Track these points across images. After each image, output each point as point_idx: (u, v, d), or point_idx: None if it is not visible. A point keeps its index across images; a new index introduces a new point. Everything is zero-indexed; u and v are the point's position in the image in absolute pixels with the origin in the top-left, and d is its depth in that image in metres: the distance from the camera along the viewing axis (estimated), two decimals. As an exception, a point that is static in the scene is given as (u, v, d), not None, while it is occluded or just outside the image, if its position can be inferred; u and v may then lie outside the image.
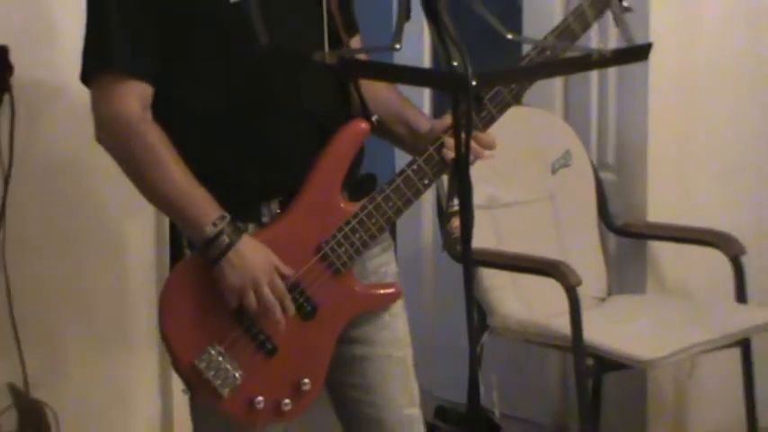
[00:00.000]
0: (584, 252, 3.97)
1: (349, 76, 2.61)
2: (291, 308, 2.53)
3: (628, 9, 2.61)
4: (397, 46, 2.07)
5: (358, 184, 2.63)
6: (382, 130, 2.70)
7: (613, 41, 3.67)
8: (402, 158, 2.65)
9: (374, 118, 2.61)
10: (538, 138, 4.03)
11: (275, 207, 2.57)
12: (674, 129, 4.03)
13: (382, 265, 2.70)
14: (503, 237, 3.87)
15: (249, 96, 2.55)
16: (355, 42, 2.72)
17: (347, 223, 2.56)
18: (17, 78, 3.22)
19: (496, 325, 3.79)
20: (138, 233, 3.40)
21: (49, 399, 3.25)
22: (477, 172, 3.78)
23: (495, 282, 3.79)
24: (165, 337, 2.55)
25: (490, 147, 2.58)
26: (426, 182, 2.58)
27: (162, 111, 2.55)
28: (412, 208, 2.66)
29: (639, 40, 2.19)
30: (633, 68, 3.47)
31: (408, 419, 2.71)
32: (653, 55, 3.80)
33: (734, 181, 4.14)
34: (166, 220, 2.63)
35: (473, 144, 2.51)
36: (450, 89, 2.06)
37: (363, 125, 2.59)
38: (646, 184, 4.04)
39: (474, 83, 1.96)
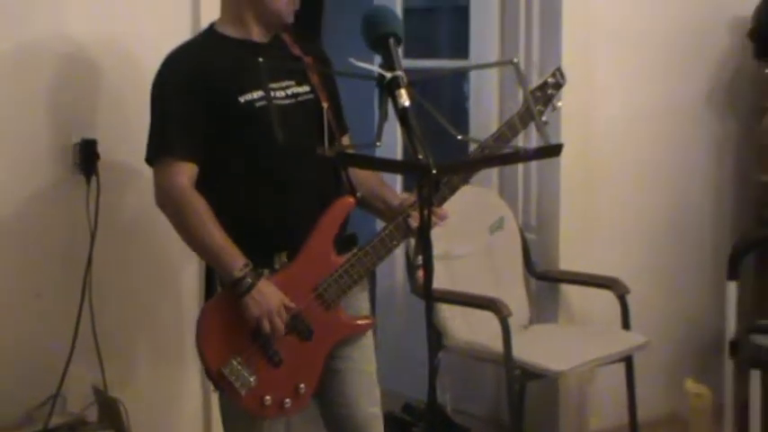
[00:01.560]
0: (513, 292, 3.93)
1: (343, 165, 2.61)
2: (289, 330, 2.52)
3: (546, 122, 2.63)
4: (378, 144, 2.08)
5: (345, 242, 2.63)
6: (365, 204, 2.70)
7: (534, 140, 3.70)
8: (380, 223, 2.66)
9: (358, 194, 2.62)
10: (480, 208, 4.01)
11: (284, 257, 2.57)
12: (579, 202, 4.02)
13: (360, 302, 2.70)
14: (455, 280, 3.84)
15: (269, 178, 2.56)
16: (345, 140, 2.73)
17: (336, 271, 2.56)
18: (102, 163, 3.20)
19: (449, 345, 3.76)
20: (189, 276, 3.37)
21: (121, 396, 3.21)
22: (435, 233, 3.78)
23: (449, 313, 3.76)
24: (200, 351, 2.55)
25: (444, 218, 2.58)
26: (396, 242, 2.59)
27: (205, 185, 2.55)
28: (388, 259, 2.66)
29: (553, 140, 2.18)
30: (548, 160, 3.47)
31: (372, 416, 2.71)
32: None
33: (624, 238, 4.13)
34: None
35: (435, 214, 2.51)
36: (416, 176, 2.04)
37: (350, 200, 2.60)
38: (558, 242, 4.02)
39: (434, 172, 1.97)
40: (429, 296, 2.19)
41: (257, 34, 2.60)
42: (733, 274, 3.73)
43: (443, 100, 5.29)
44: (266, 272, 2.54)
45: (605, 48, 3.99)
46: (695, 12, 4.04)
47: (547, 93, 2.70)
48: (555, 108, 2.72)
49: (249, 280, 2.48)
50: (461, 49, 4.38)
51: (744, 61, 4.04)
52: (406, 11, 4.59)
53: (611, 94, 4.03)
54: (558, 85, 2.72)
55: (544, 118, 2.66)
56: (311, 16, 5.92)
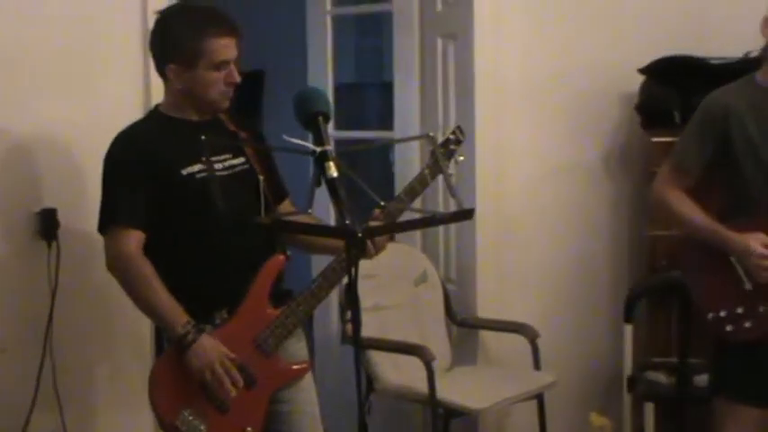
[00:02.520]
0: (437, 338, 3.95)
1: (279, 231, 2.64)
2: (240, 380, 2.52)
3: (451, 174, 2.69)
4: (309, 210, 2.12)
5: (280, 296, 2.65)
6: (323, 250, 2.71)
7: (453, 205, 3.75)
8: (316, 269, 2.68)
9: (288, 253, 2.64)
10: (405, 263, 4.04)
11: (224, 313, 2.58)
12: (493, 255, 4.06)
13: (298, 350, 2.72)
14: (384, 329, 3.85)
15: (210, 242, 2.57)
16: (286, 204, 2.75)
17: (273, 323, 2.57)
18: (62, 230, 3.21)
19: (380, 388, 3.77)
20: (143, 331, 3.34)
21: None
22: (366, 287, 3.80)
23: (379, 359, 3.77)
24: (153, 405, 2.54)
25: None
26: (324, 294, 2.61)
27: (152, 249, 2.56)
28: (324, 310, 2.68)
29: (468, 203, 2.23)
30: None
31: None
32: (478, 207, 3.88)
33: (534, 287, 4.15)
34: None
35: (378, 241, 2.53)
36: (344, 238, 2.08)
37: (281, 258, 2.63)
38: (476, 292, 4.05)
39: (360, 235, 2.01)
40: (358, 346, 2.21)
41: (196, 116, 2.64)
42: (629, 317, 3.81)
43: (373, 166, 5.34)
44: (208, 327, 2.55)
45: (515, 117, 4.06)
46: (591, 86, 4.13)
47: (449, 148, 2.75)
48: (457, 162, 2.76)
49: (191, 336, 2.49)
50: (388, 121, 4.44)
51: (633, 130, 4.14)
52: (338, 87, 4.64)
53: (521, 157, 4.10)
54: (459, 141, 2.78)
55: (451, 171, 2.71)
56: (252, 96, 5.98)
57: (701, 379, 3.49)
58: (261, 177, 2.57)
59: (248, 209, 2.42)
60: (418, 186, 2.67)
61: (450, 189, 2.41)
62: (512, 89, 4.05)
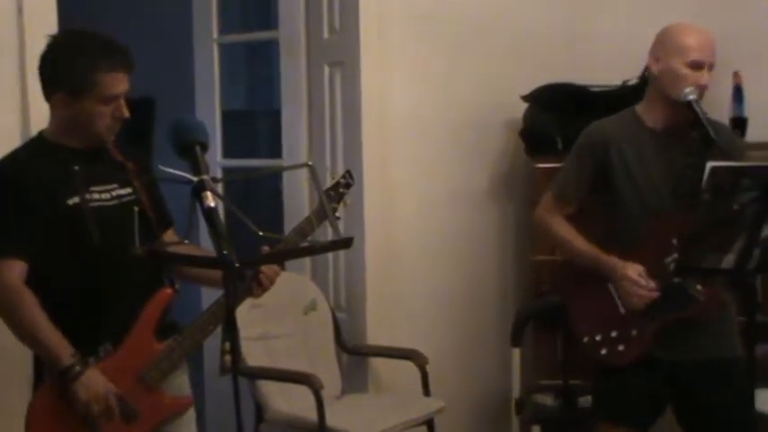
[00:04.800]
0: (326, 366, 3.95)
1: (156, 263, 2.60)
2: (116, 413, 2.48)
3: (338, 218, 2.74)
4: (186, 241, 2.10)
5: (165, 329, 2.61)
6: (206, 281, 2.68)
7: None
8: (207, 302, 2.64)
9: (176, 286, 2.61)
10: (295, 292, 4.02)
11: (109, 346, 2.54)
12: (382, 284, 4.08)
13: (181, 382, 2.69)
14: (273, 358, 3.83)
15: (95, 274, 2.53)
16: (169, 234, 2.72)
17: (157, 357, 2.54)
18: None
19: (269, 418, 3.74)
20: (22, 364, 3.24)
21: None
22: (254, 316, 3.75)
23: (268, 388, 3.74)
24: None
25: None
26: (211, 327, 2.59)
27: (36, 280, 2.50)
28: (214, 343, 2.65)
29: (357, 232, 2.25)
30: (354, 248, 3.51)
31: None
32: (366, 235, 3.87)
33: (424, 314, 4.19)
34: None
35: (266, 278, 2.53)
36: (222, 269, 2.07)
37: (168, 291, 2.59)
38: (365, 320, 4.06)
39: (237, 265, 2.00)
40: (236, 376, 2.22)
41: (81, 144, 2.59)
42: (516, 341, 3.88)
43: (263, 194, 5.31)
44: (91, 360, 2.51)
45: (402, 145, 4.10)
46: (476, 113, 4.21)
47: (339, 191, 2.85)
48: (346, 204, 2.87)
49: (78, 368, 2.45)
50: (277, 149, 4.43)
51: (518, 157, 4.23)
52: (227, 114, 4.61)
53: (408, 185, 4.14)
54: (348, 185, 2.88)
55: (338, 213, 2.76)
56: (142, 124, 5.91)
57: (586, 400, 3.57)
58: (136, 209, 2.53)
59: (134, 239, 2.39)
60: (306, 228, 2.72)
61: (334, 228, 2.47)
62: (398, 117, 4.09)
